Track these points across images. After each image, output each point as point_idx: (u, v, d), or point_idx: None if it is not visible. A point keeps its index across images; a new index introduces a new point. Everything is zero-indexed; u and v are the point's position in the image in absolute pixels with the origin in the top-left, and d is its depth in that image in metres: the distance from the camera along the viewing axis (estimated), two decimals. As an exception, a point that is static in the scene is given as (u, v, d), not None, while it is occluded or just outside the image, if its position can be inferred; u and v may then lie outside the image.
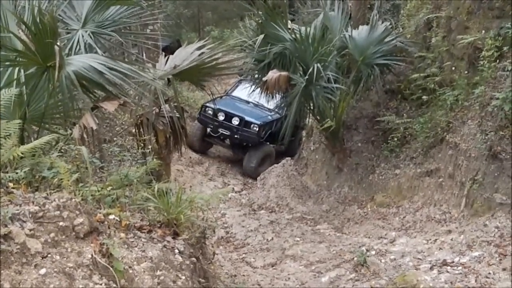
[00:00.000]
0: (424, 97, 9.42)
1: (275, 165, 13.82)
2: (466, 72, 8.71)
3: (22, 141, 4.58)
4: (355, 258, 7.47)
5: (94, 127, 4.64)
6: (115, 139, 10.06)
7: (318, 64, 9.77)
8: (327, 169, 11.81)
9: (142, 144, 6.62)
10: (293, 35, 10.38)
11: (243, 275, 7.58)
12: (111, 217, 3.10)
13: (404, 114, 10.13)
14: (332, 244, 8.55)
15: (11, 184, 2.93)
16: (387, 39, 10.31)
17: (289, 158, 14.31)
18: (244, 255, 8.59)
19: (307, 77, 9.90)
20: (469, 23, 8.86)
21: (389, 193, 9.72)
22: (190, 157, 14.33)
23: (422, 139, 9.26)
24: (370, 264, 7.22)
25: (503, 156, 7.35)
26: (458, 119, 8.53)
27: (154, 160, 5.87)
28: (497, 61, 7.84)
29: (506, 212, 7.17)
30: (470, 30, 8.71)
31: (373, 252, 7.58)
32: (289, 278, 7.56)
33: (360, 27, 10.63)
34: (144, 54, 9.84)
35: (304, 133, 14.82)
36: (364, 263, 7.28)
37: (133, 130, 7.10)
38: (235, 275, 7.31)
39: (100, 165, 4.45)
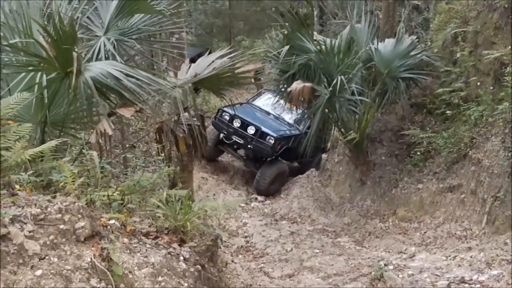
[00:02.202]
0: (448, 112, 9.34)
1: (300, 176, 13.82)
2: (491, 87, 8.60)
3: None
4: (373, 273, 7.43)
5: (110, 133, 4.70)
6: (140, 145, 10.18)
7: (342, 76, 9.77)
8: (350, 181, 11.75)
9: (163, 151, 6.68)
10: (318, 47, 10.39)
11: (259, 285, 7.58)
12: (112, 221, 3.16)
13: (429, 129, 10.04)
14: (351, 257, 8.50)
15: (17, 187, 3.02)
16: (412, 53, 10.26)
17: (313, 169, 14.31)
18: (262, 264, 8.59)
19: (331, 88, 9.90)
20: (496, 39, 8.77)
21: (411, 208, 9.63)
22: (215, 165, 14.35)
23: (445, 154, 9.18)
24: (387, 279, 7.15)
25: (526, 174, 7.24)
26: (482, 135, 8.43)
27: (171, 167, 5.95)
28: (522, 77, 7.74)
29: (527, 230, 7.06)
30: (497, 46, 8.62)
31: (391, 267, 7.49)
32: (305, 290, 7.56)
33: (386, 40, 10.59)
34: (168, 62, 9.94)
35: (324, 155, 14.78)
36: (381, 278, 7.23)
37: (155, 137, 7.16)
38: (251, 285, 7.32)
39: (111, 170, 4.50)
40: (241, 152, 14.15)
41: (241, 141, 13.36)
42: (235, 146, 13.89)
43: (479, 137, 8.50)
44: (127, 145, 8.81)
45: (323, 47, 10.36)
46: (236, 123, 13.38)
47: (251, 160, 13.98)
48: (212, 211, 5.82)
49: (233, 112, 12.94)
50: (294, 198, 12.40)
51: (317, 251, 8.97)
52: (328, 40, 10.56)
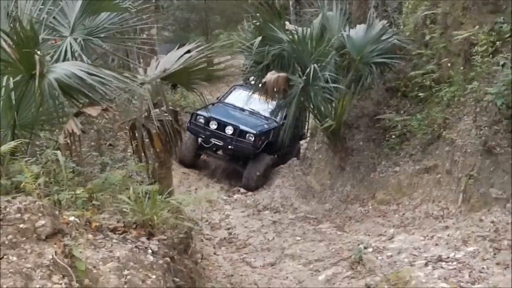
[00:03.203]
0: (421, 94, 9.44)
1: (281, 166, 13.87)
2: (462, 68, 8.70)
3: (14, 148, 4.70)
4: (352, 256, 7.52)
5: (78, 133, 4.73)
6: (118, 144, 10.18)
7: (315, 65, 9.83)
8: (330, 168, 11.84)
9: (136, 149, 6.69)
10: (291, 36, 10.43)
11: (241, 275, 7.64)
12: (72, 218, 3.19)
13: (404, 112, 10.14)
14: (331, 242, 8.59)
15: (-23, 189, 3.05)
16: (384, 37, 10.33)
17: (294, 158, 14.36)
18: (245, 255, 8.65)
19: (305, 77, 9.95)
20: (464, 19, 8.86)
21: (389, 191, 9.74)
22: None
23: (420, 136, 9.29)
24: (366, 261, 7.25)
25: (497, 151, 7.33)
26: (455, 115, 8.55)
27: (145, 163, 5.98)
28: (491, 56, 7.82)
29: (501, 206, 7.16)
30: (465, 26, 8.70)
31: (371, 250, 7.59)
32: (287, 277, 7.62)
33: (358, 26, 10.65)
34: (141, 60, 9.98)
35: (303, 143, 14.82)
36: (360, 260, 7.32)
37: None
38: (232, 275, 7.38)
39: (78, 169, 4.52)
40: (221, 152, 13.87)
41: (221, 143, 13.06)
42: (214, 148, 13.62)
43: (452, 117, 8.61)
44: (104, 144, 8.81)
45: (295, 36, 10.41)
46: (213, 125, 13.02)
47: (233, 159, 13.73)
48: (185, 205, 5.89)
49: (208, 114, 12.64)
50: (276, 188, 12.46)
51: (299, 238, 9.05)
52: (300, 29, 10.59)
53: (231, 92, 14.82)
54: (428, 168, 8.97)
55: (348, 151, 11.17)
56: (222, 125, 12.96)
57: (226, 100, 14.43)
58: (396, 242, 7.78)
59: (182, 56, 6.38)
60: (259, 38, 10.41)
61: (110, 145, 9.45)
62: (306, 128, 14.07)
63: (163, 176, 6.82)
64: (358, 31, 10.48)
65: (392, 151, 10.10)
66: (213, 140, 13.04)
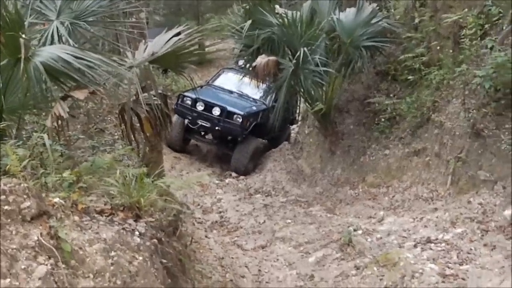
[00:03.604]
0: (410, 77, 9.46)
1: (273, 150, 13.90)
2: (451, 51, 8.73)
3: (3, 133, 4.71)
4: (342, 238, 7.59)
5: (65, 116, 4.72)
6: (107, 127, 10.16)
7: (305, 48, 9.83)
8: (320, 152, 11.88)
9: (125, 133, 6.68)
10: (280, 20, 10.41)
11: (232, 258, 7.71)
12: (56, 200, 3.21)
13: (394, 95, 10.17)
14: (322, 225, 8.67)
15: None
16: (374, 21, 10.31)
17: (286, 142, 14.40)
18: (236, 238, 8.71)
19: (295, 61, 9.95)
20: (454, 2, 8.91)
21: (379, 174, 9.80)
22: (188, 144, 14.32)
23: (409, 119, 9.34)
24: (356, 243, 7.33)
25: (486, 134, 7.39)
26: (444, 98, 8.59)
27: (133, 147, 6.00)
28: (480, 39, 7.85)
29: (489, 188, 7.23)
30: (455, 9, 8.73)
31: (360, 232, 7.67)
32: (277, 259, 7.70)
33: (348, 9, 10.61)
34: (131, 44, 9.93)
35: (294, 127, 14.83)
36: (350, 243, 7.40)
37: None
38: (223, 258, 7.42)
39: (64, 152, 4.54)
40: (209, 136, 13.67)
41: (208, 124, 12.82)
42: (202, 133, 13.47)
43: (441, 100, 8.65)
44: (93, 128, 8.80)
45: (285, 19, 10.39)
46: (200, 106, 12.77)
47: (222, 142, 13.55)
48: (176, 188, 5.91)
49: (195, 96, 12.32)
50: (267, 172, 12.48)
51: (289, 221, 9.12)
52: (290, 13, 10.56)
53: (219, 75, 14.67)
54: (417, 151, 9.03)
55: (338, 135, 11.22)
56: (209, 106, 12.74)
57: (215, 83, 14.24)
58: (385, 224, 7.86)
59: (170, 39, 6.35)
60: (249, 21, 10.41)
61: (99, 129, 9.43)
62: (297, 112, 14.09)
63: (154, 160, 6.78)
64: (348, 15, 10.46)
65: (382, 134, 10.15)
66: (200, 122, 12.85)
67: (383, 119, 10.02)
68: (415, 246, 6.76)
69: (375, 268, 6.46)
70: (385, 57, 10.82)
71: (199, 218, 9.36)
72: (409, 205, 8.46)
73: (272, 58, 10.13)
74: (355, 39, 10.24)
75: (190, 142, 14.22)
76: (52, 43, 5.67)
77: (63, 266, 2.87)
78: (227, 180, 12.31)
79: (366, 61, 10.38)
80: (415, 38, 9.86)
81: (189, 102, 12.86)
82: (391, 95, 10.25)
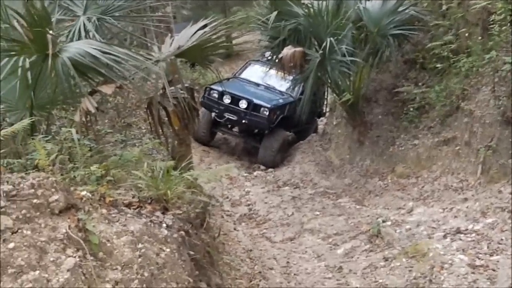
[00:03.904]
0: (439, 65, 9.33)
1: (301, 142, 13.88)
2: (480, 38, 8.58)
3: (33, 128, 4.78)
4: (371, 230, 7.56)
5: (93, 111, 4.79)
6: (135, 121, 10.25)
7: (332, 38, 9.76)
8: (349, 143, 11.81)
9: (154, 127, 6.74)
10: (306, 10, 10.36)
11: (260, 250, 7.74)
12: (84, 193, 3.26)
13: (423, 84, 10.04)
14: (350, 216, 8.64)
15: (-7, 167, 3.13)
16: (400, 9, 10.17)
17: (314, 134, 14.37)
18: (264, 230, 8.74)
19: (321, 51, 9.90)
20: (482, -13, 8.71)
21: (408, 164, 9.70)
22: (216, 137, 14.37)
23: (438, 108, 9.21)
24: (385, 234, 7.30)
25: (516, 121, 7.27)
26: (473, 86, 8.46)
27: (154, 140, 6.05)
28: (510, 24, 7.70)
29: (521, 177, 7.13)
30: (484, -5, 8.56)
31: (389, 223, 7.62)
32: (305, 251, 7.70)
33: (374, -2, 10.52)
34: (158, 38, 9.97)
35: (321, 120, 14.75)
36: (378, 234, 7.36)
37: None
38: (251, 250, 7.46)
39: (93, 146, 4.59)
40: (236, 129, 13.64)
41: (234, 117, 12.77)
42: (229, 125, 13.43)
43: (470, 88, 8.52)
44: (121, 122, 8.89)
45: (311, 10, 10.34)
46: (226, 99, 12.72)
47: (248, 135, 13.53)
48: (205, 181, 5.95)
49: (222, 88, 12.35)
50: (296, 164, 12.48)
51: (318, 213, 9.11)
52: (315, 3, 10.49)
53: (246, 67, 14.63)
54: (447, 140, 8.92)
55: (367, 125, 11.13)
56: (235, 99, 12.69)
57: (241, 76, 14.21)
58: (415, 215, 7.80)
59: (195, 32, 6.38)
60: (275, 13, 10.38)
61: (127, 123, 9.52)
62: (325, 105, 14.03)
63: (182, 153, 6.83)
64: (374, 3, 10.33)
65: (411, 124, 10.04)
66: (227, 115, 12.80)
67: (411, 108, 9.91)
68: (444, 236, 6.70)
69: (404, 259, 6.42)
70: (413, 45, 10.67)
71: (228, 211, 9.42)
72: (439, 195, 8.36)
73: (299, 49, 10.09)
74: (382, 27, 10.12)
75: (217, 136, 14.24)
76: (79, 38, 5.75)
77: (91, 258, 2.91)
78: (255, 173, 12.33)
79: (393, 50, 10.26)
80: (443, 25, 9.71)
81: (215, 95, 12.84)
82: (420, 84, 10.13)
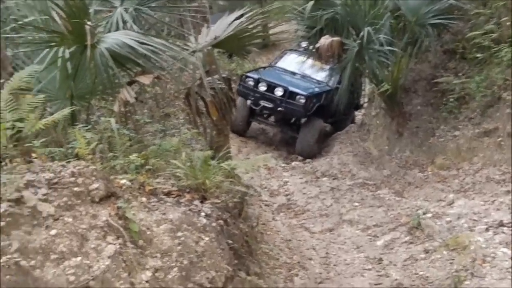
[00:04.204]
0: (479, 55, 9.12)
1: (339, 132, 13.79)
2: (523, 26, 8.37)
3: (73, 118, 4.86)
4: (411, 222, 7.47)
5: (131, 101, 4.84)
6: (173, 111, 10.33)
7: (369, 28, 9.64)
8: (388, 134, 11.66)
9: (192, 117, 6.77)
10: (344, -1, 10.29)
11: (299, 240, 7.72)
12: (123, 181, 3.29)
13: (463, 74, 9.84)
14: (390, 208, 8.55)
15: (34, 155, 3.18)
16: (439, -3, 9.99)
17: (352, 124, 14.25)
18: (303, 221, 8.71)
19: (359, 41, 9.79)
20: (525, -26, 8.49)
21: (449, 155, 9.52)
22: (254, 127, 14.34)
23: (479, 98, 9.00)
24: (425, 227, 7.20)
25: (561, 111, 7.07)
26: (515, 76, 8.25)
27: (192, 130, 6.08)
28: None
29: None
30: (526, -18, 8.35)
31: (430, 215, 7.51)
32: (345, 242, 7.66)
33: (413, -14, 10.33)
34: (195, 29, 9.96)
35: (357, 113, 14.59)
36: (418, 226, 7.27)
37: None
38: (290, 240, 7.45)
39: (131, 135, 4.63)
40: (272, 118, 13.49)
41: (270, 105, 12.62)
42: (265, 115, 13.35)
43: (512, 78, 8.32)
44: (160, 112, 8.98)
45: (349, -1, 10.25)
46: (262, 87, 12.61)
47: (285, 124, 13.38)
48: (243, 171, 5.95)
49: (257, 76, 12.37)
50: (334, 154, 12.39)
51: (357, 204, 9.03)
52: (353, -8, 10.39)
53: (282, 56, 14.44)
54: (488, 131, 8.72)
55: (405, 116, 10.97)
56: (271, 87, 12.58)
57: (277, 64, 14.05)
58: (455, 207, 7.66)
59: (232, 22, 6.36)
60: (311, 2, 10.30)
61: (166, 113, 9.61)
62: (363, 96, 13.89)
63: (221, 143, 6.85)
64: (412, -8, 10.17)
65: (451, 115, 9.85)
66: (262, 102, 12.65)
67: (451, 99, 9.71)
68: (486, 229, 6.56)
69: (444, 252, 6.33)
70: (452, 34, 10.46)
71: (266, 201, 9.41)
72: (480, 187, 8.18)
73: (336, 38, 10.00)
74: (421, 17, 9.94)
75: (255, 126, 14.14)
76: (117, 29, 5.81)
77: (131, 245, 2.95)
78: (293, 163, 12.28)
79: (432, 40, 10.08)
80: (484, 14, 9.47)
81: (251, 82, 12.76)
82: (460, 74, 9.92)
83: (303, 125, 12.86)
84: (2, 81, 3.47)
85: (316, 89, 12.93)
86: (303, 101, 12.38)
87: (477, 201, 7.64)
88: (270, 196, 9.85)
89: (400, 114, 10.98)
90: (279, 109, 12.54)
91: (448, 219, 7.28)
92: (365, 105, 14.13)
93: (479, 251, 5.91)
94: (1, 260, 2.37)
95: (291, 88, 12.52)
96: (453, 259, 6.10)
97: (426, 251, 6.62)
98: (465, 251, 6.07)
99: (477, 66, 9.45)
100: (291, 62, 13.71)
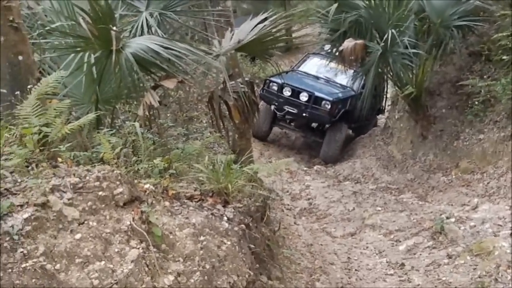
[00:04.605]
0: (505, 57, 9.00)
1: (362, 136, 13.72)
2: (550, 28, 8.25)
3: (98, 122, 4.92)
4: (434, 226, 7.41)
5: (156, 105, 4.88)
6: (196, 115, 10.39)
7: (393, 30, 9.58)
8: (411, 137, 11.57)
9: (215, 120, 6.80)
10: (367, 2, 10.22)
11: (321, 244, 7.70)
12: (147, 186, 3.33)
13: (488, 77, 9.72)
14: (413, 212, 8.49)
15: (59, 159, 3.23)
16: (464, -1, 9.90)
17: (375, 128, 14.16)
18: (325, 225, 8.70)
19: (383, 43, 9.75)
20: (552, -25, 8.37)
21: (473, 159, 9.43)
22: (276, 131, 14.34)
23: (505, 101, 8.87)
24: (448, 231, 7.15)
25: None
26: (543, 78, 8.14)
27: (215, 133, 6.10)
28: None
29: None
30: (553, -17, 8.23)
31: (453, 220, 7.45)
32: (367, 247, 7.62)
33: (437, -12, 10.25)
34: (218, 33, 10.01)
35: (379, 117, 14.47)
36: (442, 231, 7.21)
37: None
38: (312, 244, 7.43)
39: (156, 139, 4.67)
40: (294, 123, 13.28)
41: (295, 110, 12.45)
42: (287, 120, 13.12)
43: (539, 80, 8.21)
44: (183, 116, 9.04)
45: (372, 1, 10.18)
46: (287, 92, 12.47)
47: (308, 130, 13.21)
48: (265, 175, 5.96)
49: (281, 81, 12.14)
50: (357, 158, 12.36)
51: (379, 208, 8.98)
52: (377, -6, 10.34)
53: (305, 60, 14.30)
54: (514, 134, 8.63)
55: (430, 119, 10.87)
56: (296, 92, 12.42)
57: (300, 68, 13.86)
58: (480, 212, 7.60)
59: (255, 26, 6.38)
60: (335, 5, 10.29)
61: (189, 117, 9.67)
62: (384, 101, 13.80)
63: (243, 147, 6.88)
64: (437, -6, 10.09)
65: (476, 118, 9.73)
66: (287, 108, 12.49)
67: (476, 102, 9.60)
68: (511, 234, 6.49)
69: (468, 257, 6.27)
70: (478, 36, 10.34)
71: (288, 205, 9.41)
72: (505, 192, 8.09)
73: (360, 41, 9.95)
74: (446, 19, 9.86)
75: (277, 130, 14.07)
76: (142, 34, 5.87)
77: (154, 250, 2.98)
78: (315, 167, 12.26)
79: (457, 42, 9.98)
80: (510, 15, 9.35)
81: (275, 87, 12.64)
82: (485, 77, 9.80)
83: (328, 131, 12.70)
84: (29, 86, 3.53)
85: (341, 94, 12.85)
86: (328, 106, 12.22)
87: (502, 206, 7.57)
88: (292, 200, 9.85)
89: (424, 117, 10.88)
90: (303, 114, 12.44)
91: (472, 223, 7.23)
92: (388, 108, 14.02)
93: (504, 256, 5.85)
94: (28, 264, 2.41)
95: (317, 93, 12.37)
96: (476, 265, 6.04)
97: (449, 256, 6.56)
98: (489, 257, 6.01)
99: (503, 69, 9.32)
100: (314, 66, 13.61)
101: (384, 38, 9.72)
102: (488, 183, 8.62)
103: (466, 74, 10.35)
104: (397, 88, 11.41)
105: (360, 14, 10.31)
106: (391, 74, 10.64)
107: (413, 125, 11.55)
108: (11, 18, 3.68)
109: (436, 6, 9.94)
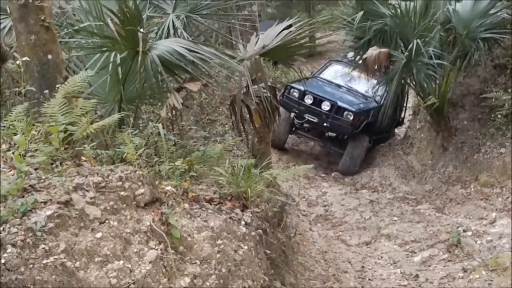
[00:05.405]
0: (530, 71, 8.95)
1: (381, 144, 13.64)
2: None
3: (121, 121, 4.99)
4: (450, 239, 7.38)
5: (179, 107, 4.93)
6: (218, 118, 10.44)
7: (418, 40, 9.55)
8: (432, 148, 11.50)
9: (237, 123, 6.84)
10: (393, 10, 10.20)
11: (335, 252, 7.70)
12: (168, 188, 3.37)
13: (512, 90, 9.66)
14: (430, 224, 8.46)
15: (83, 158, 3.29)
16: (492, 11, 9.78)
17: (395, 137, 14.08)
18: (340, 232, 8.70)
19: (407, 53, 9.72)
20: None
21: (493, 173, 9.35)
22: (295, 136, 14.29)
23: (528, 115, 8.83)
24: (465, 245, 7.12)
25: None
26: None
27: (243, 138, 6.14)
28: None
29: None
30: None
31: (470, 233, 7.42)
32: (381, 257, 7.61)
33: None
34: (243, 37, 10.09)
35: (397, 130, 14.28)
36: (458, 244, 7.18)
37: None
38: (326, 252, 7.44)
39: (178, 141, 4.73)
40: (313, 132, 12.89)
41: (315, 119, 11.95)
42: (305, 129, 12.75)
43: None
44: (205, 119, 9.10)
45: (398, 10, 10.16)
46: (308, 100, 11.96)
47: (327, 140, 12.85)
48: (282, 180, 5.99)
49: (303, 88, 11.72)
50: (375, 167, 12.29)
51: (396, 218, 8.95)
52: (403, 3, 10.28)
53: (326, 67, 13.86)
54: (536, 150, 8.55)
55: (451, 131, 10.80)
56: (318, 100, 11.94)
57: (321, 76, 13.42)
58: (497, 227, 7.56)
59: (280, 32, 6.41)
60: (361, 13, 10.27)
61: (211, 120, 9.73)
62: (404, 113, 13.69)
63: (262, 151, 6.89)
64: (465, 5, 9.98)
65: (498, 131, 9.65)
66: (307, 116, 12.00)
67: (499, 115, 9.52)
68: (528, 251, 6.45)
69: (483, 272, 6.23)
70: (504, 49, 10.26)
71: (304, 211, 9.43)
72: (524, 207, 8.05)
73: (384, 50, 9.92)
74: (472, 30, 9.78)
75: (290, 136, 13.51)
76: (168, 36, 5.94)
77: (172, 251, 3.02)
78: (333, 174, 12.23)
79: (483, 54, 9.88)
80: (538, 30, 9.30)
81: (296, 94, 12.19)
82: (510, 90, 9.71)
83: (350, 144, 12.30)
84: (57, 85, 3.59)
85: (364, 105, 12.46)
86: (351, 117, 11.84)
87: (520, 221, 7.51)
88: (308, 206, 9.86)
89: (445, 128, 10.81)
90: (324, 124, 12.05)
91: (489, 238, 7.19)
92: (410, 117, 13.93)
93: (520, 273, 5.81)
94: (48, 260, 2.46)
95: (340, 103, 11.96)
96: (492, 280, 6.01)
97: (465, 270, 6.53)
98: (505, 273, 5.97)
99: (528, 82, 9.28)
100: (335, 73, 13.25)
101: (409, 47, 9.69)
102: (507, 197, 8.55)
103: (490, 86, 10.27)
104: (419, 98, 11.34)
105: (386, 22, 10.29)
106: (414, 83, 10.59)
107: (434, 136, 11.48)
108: (42, 18, 3.74)
109: (463, 17, 9.87)
